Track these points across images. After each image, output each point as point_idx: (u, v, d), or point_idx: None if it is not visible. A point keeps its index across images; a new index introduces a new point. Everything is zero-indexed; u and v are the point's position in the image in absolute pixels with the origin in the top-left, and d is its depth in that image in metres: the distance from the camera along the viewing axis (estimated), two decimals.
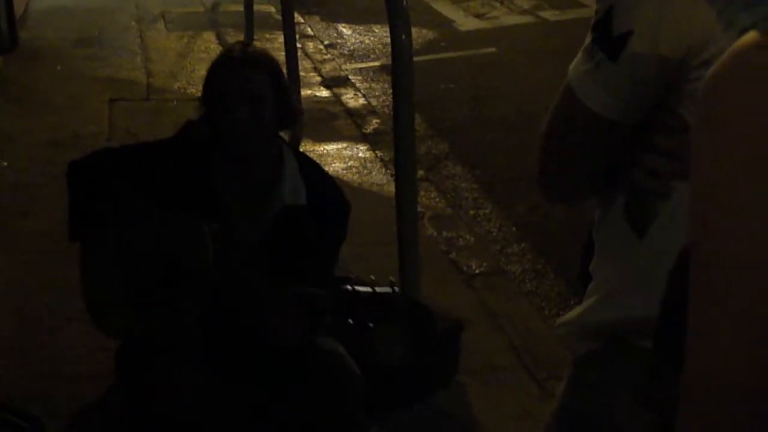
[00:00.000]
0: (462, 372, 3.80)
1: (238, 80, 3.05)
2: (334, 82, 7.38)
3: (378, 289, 2.96)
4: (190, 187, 3.07)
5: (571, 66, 1.57)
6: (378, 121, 6.57)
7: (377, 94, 7.28)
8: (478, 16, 9.30)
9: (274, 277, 3.02)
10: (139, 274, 3.01)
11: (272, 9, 8.74)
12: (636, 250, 1.60)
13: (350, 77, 7.58)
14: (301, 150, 6.00)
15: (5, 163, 5.71)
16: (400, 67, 3.58)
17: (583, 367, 1.75)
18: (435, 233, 5.01)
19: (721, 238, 0.82)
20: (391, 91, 3.78)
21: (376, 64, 7.97)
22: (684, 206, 1.51)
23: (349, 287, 2.98)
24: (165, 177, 3.09)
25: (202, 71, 7.16)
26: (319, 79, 7.44)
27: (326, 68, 7.69)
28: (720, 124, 0.82)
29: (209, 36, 8.27)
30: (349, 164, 5.90)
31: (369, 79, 7.65)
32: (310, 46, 8.19)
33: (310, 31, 8.63)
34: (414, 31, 3.71)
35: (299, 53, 6.71)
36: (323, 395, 3.08)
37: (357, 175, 5.74)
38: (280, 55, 6.91)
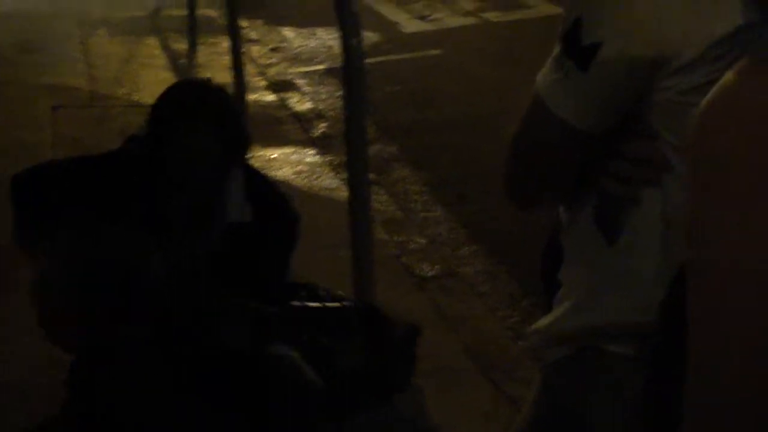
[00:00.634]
0: (418, 375, 3.79)
1: (182, 136, 3.00)
2: (280, 86, 7.35)
3: (328, 305, 2.97)
4: (134, 203, 3.04)
5: (540, 75, 1.57)
6: (325, 124, 6.55)
7: (324, 97, 7.26)
8: (421, 18, 9.31)
9: (222, 290, 3.01)
10: (90, 288, 2.99)
11: (214, 13, 8.69)
12: (606, 257, 1.60)
13: (296, 81, 7.56)
14: (248, 158, 6.00)
15: None
16: (352, 70, 3.57)
17: (553, 374, 1.75)
18: (386, 237, 5.00)
19: (715, 252, 0.82)
20: (338, 94, 3.78)
21: (322, 67, 7.96)
22: (653, 213, 1.52)
23: (297, 303, 2.98)
24: (109, 192, 3.06)
25: (146, 77, 7.17)
26: (264, 83, 7.41)
27: (271, 72, 7.66)
28: (710, 156, 0.83)
29: (152, 41, 8.20)
30: (298, 169, 5.87)
31: (315, 82, 7.62)
32: (255, 50, 8.15)
33: (254, 35, 8.59)
34: None
35: (244, 57, 6.67)
36: (281, 402, 3.06)
37: (306, 179, 5.72)
38: (224, 60, 6.89)
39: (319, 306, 2.94)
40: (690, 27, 1.43)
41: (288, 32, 8.91)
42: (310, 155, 6.08)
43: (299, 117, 6.73)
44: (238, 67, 6.39)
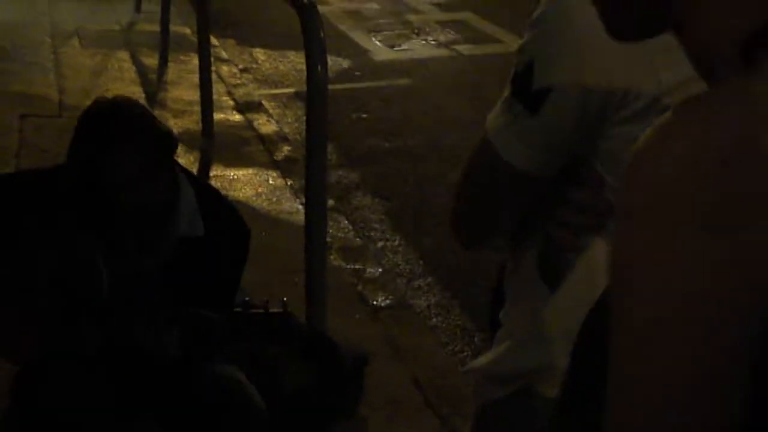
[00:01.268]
0: (364, 405, 3.79)
1: (110, 164, 2.98)
2: (247, 107, 7.35)
3: (271, 310, 2.98)
4: (78, 218, 3.02)
5: (490, 117, 1.57)
6: (289, 148, 6.55)
7: (290, 120, 7.26)
8: (393, 46, 9.33)
9: (168, 301, 3.00)
10: (36, 300, 2.98)
11: (188, 30, 8.67)
12: (547, 301, 1.61)
13: (263, 102, 7.55)
14: (208, 174, 6.00)
15: None
16: (314, 96, 3.59)
17: (487, 414, 1.75)
18: (343, 264, 5.00)
19: (638, 298, 0.83)
20: (303, 118, 3.78)
21: (290, 90, 7.96)
22: (596, 260, 1.52)
23: (240, 309, 2.99)
24: (53, 206, 3.04)
25: (115, 89, 7.14)
26: (232, 103, 7.40)
27: (239, 93, 7.65)
28: (634, 207, 0.84)
29: (124, 55, 8.18)
30: (259, 191, 5.86)
31: (282, 105, 7.63)
32: (225, 69, 8.15)
33: (224, 55, 8.58)
34: (329, 59, 3.71)
35: (213, 76, 6.67)
36: (224, 425, 3.05)
37: (266, 202, 5.71)
38: (194, 77, 6.88)
39: (262, 312, 2.96)
40: (640, 76, 1.44)
41: (259, 53, 8.91)
42: (272, 177, 6.07)
43: (264, 139, 6.73)
44: (206, 85, 6.39)
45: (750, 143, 0.80)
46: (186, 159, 5.89)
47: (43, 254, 2.97)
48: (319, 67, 3.57)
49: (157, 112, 4.64)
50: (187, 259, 3.09)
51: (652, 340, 0.82)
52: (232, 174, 6.06)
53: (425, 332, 4.56)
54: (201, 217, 3.13)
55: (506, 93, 1.54)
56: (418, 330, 4.54)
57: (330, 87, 3.72)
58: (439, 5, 10.71)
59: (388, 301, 4.69)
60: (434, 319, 4.71)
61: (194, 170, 5.66)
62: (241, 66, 8.49)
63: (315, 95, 3.59)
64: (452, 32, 9.71)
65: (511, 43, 9.06)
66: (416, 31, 9.81)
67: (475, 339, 4.51)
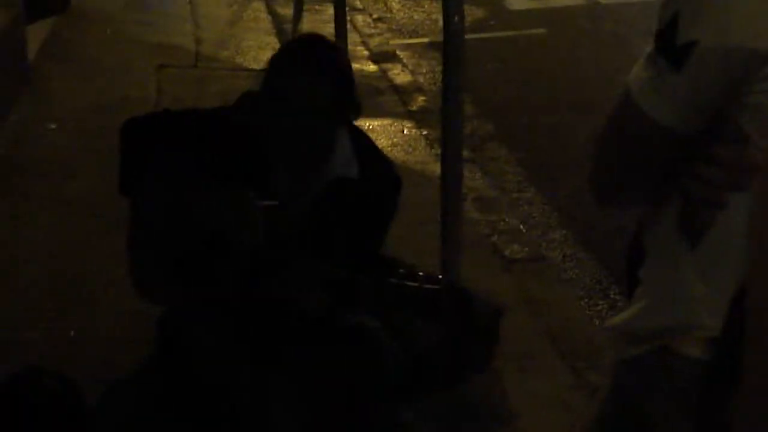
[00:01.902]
0: (498, 358, 3.79)
1: (296, 90, 3.00)
2: (382, 57, 7.35)
3: (426, 286, 2.95)
4: (242, 157, 3.05)
5: (632, 72, 1.54)
6: (424, 98, 6.54)
7: (424, 70, 7.25)
8: None
9: (320, 249, 3.01)
10: (185, 242, 3.01)
11: None
12: (687, 260, 1.59)
13: (398, 52, 7.54)
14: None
15: (53, 126, 5.73)
16: (451, 47, 3.56)
17: (623, 372, 1.74)
18: (477, 215, 4.99)
19: None
20: (438, 68, 3.77)
21: (425, 40, 7.93)
22: (739, 219, 1.49)
23: (394, 280, 2.96)
24: (218, 145, 3.07)
25: (250, 41, 7.21)
26: (366, 53, 7.41)
27: (374, 42, 7.66)
28: None
29: (259, 5, 8.24)
30: (394, 141, 5.88)
31: (417, 55, 7.61)
32: (359, 19, 8.16)
33: (359, 4, 8.59)
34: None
35: (348, 26, 6.68)
36: (359, 373, 3.07)
37: (401, 152, 5.72)
38: (329, 27, 6.90)
39: (416, 286, 2.93)
40: None
41: (393, 3, 8.89)
42: (407, 128, 6.08)
43: (398, 89, 6.73)
44: (341, 35, 6.40)
45: None
46: None
47: (198, 194, 2.99)
48: (456, 17, 3.53)
49: None
50: (341, 200, 3.10)
51: None
52: (367, 124, 6.07)
53: (560, 285, 4.53)
54: (356, 160, 3.14)
55: (649, 48, 1.51)
56: (552, 283, 4.52)
57: (465, 37, 3.69)
58: None
59: (522, 254, 4.66)
60: (569, 272, 4.67)
61: None
62: (375, 15, 8.49)
63: (451, 46, 3.57)
64: None
65: None
66: None
67: (610, 293, 4.46)
